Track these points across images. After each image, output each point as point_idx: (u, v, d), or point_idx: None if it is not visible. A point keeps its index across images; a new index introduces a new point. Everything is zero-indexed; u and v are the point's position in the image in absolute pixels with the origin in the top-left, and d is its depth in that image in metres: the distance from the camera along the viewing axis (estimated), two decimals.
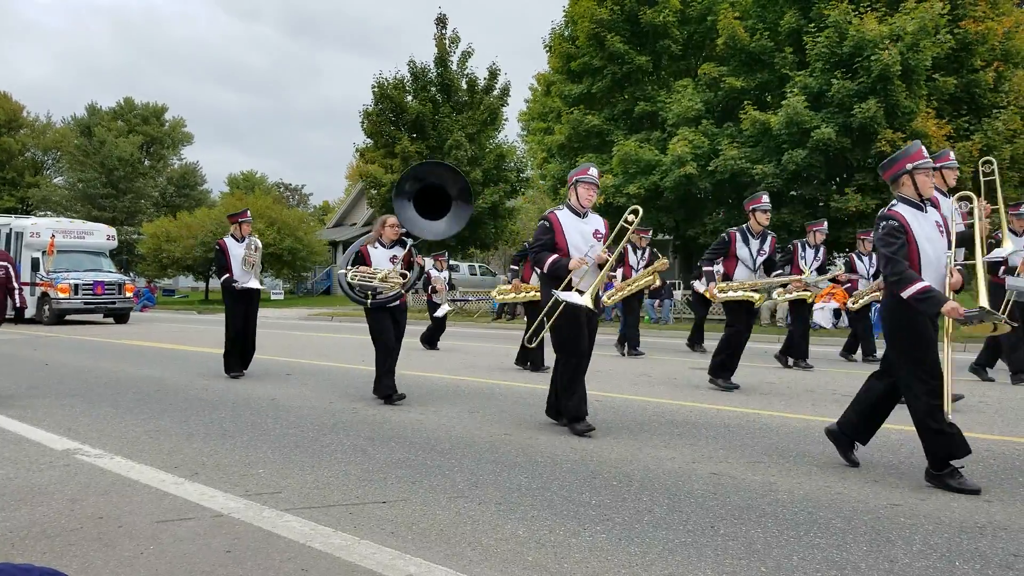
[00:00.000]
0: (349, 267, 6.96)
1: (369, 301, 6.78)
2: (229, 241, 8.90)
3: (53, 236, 20.75)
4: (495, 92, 27.00)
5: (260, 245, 9.07)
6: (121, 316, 21.36)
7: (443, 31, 26.57)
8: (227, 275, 8.75)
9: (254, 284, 8.86)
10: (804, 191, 17.92)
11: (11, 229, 21.42)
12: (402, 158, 24.93)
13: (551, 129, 25.33)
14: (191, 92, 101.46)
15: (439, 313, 13.35)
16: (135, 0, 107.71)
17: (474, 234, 26.38)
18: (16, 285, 7.61)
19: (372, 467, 4.59)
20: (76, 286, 20.27)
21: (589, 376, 6.02)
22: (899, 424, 5.93)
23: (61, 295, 20.09)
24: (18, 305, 7.68)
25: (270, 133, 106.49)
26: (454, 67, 26.63)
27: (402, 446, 5.14)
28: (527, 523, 3.56)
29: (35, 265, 20.85)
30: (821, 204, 17.87)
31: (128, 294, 21.84)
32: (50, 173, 53.11)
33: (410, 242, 7.10)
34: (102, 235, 23.00)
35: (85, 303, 20.48)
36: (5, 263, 7.65)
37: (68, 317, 21.09)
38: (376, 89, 25.98)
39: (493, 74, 26.92)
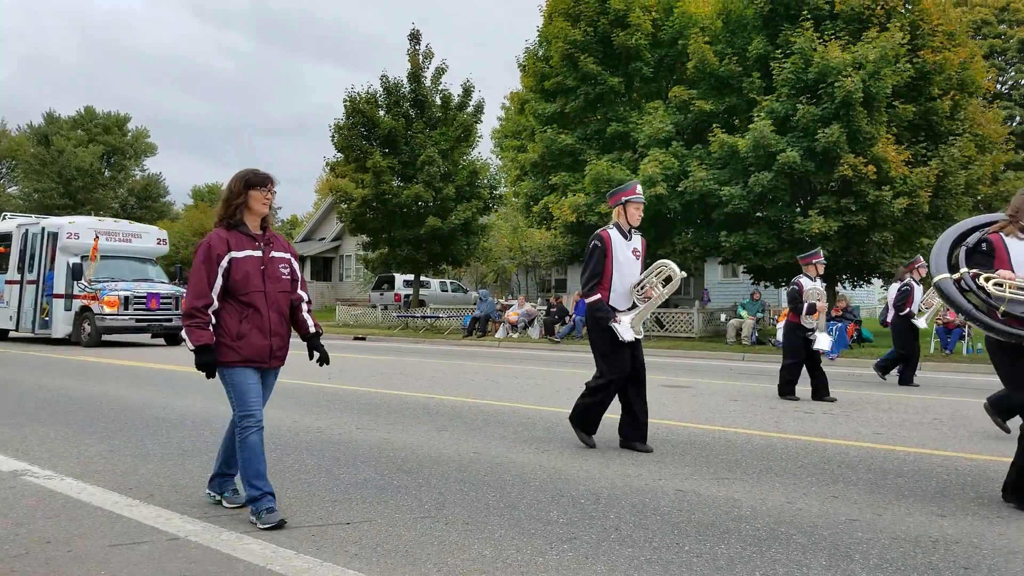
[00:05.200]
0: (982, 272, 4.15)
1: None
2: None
3: (97, 238, 17.14)
4: (469, 109, 27.13)
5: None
6: (175, 336, 17.29)
7: (417, 46, 26.67)
8: None
9: None
10: (769, 213, 18.23)
11: (43, 229, 17.93)
12: (373, 173, 24.89)
13: (524, 147, 25.56)
14: (157, 100, 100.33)
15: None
16: (99, 2, 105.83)
17: (446, 250, 26.38)
18: None
19: (337, 488, 4.55)
20: (126, 299, 16.57)
21: (558, 394, 6.05)
22: (856, 441, 6.06)
23: (108, 310, 16.35)
24: None
25: (239, 143, 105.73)
26: (428, 83, 26.72)
27: (368, 466, 5.11)
28: (494, 543, 3.56)
29: (76, 273, 16.99)
30: (785, 226, 18.20)
31: None
32: (4, 183, 51.96)
33: None
34: (152, 238, 19.19)
35: (137, 320, 16.77)
36: None
37: (110, 337, 17.32)
38: (348, 103, 25.96)
39: (467, 91, 27.06)
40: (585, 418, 5.81)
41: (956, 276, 4.13)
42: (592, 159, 20.62)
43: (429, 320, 25.01)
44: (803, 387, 8.88)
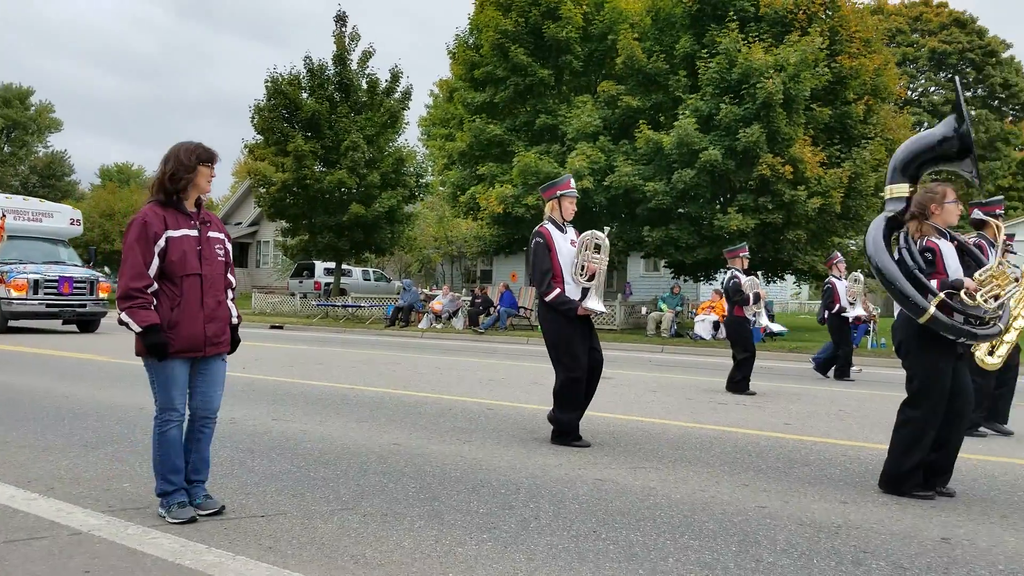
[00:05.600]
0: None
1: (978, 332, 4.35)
2: None
3: (3, 216, 15.89)
4: (396, 94, 26.78)
5: None
6: (89, 323, 16.73)
7: (343, 28, 26.14)
8: None
9: None
10: (691, 209, 18.73)
11: None
12: (295, 157, 24.29)
13: (453, 136, 25.43)
14: (68, 75, 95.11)
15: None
16: None
17: (369, 238, 26.03)
18: None
19: (250, 480, 4.45)
20: (36, 283, 15.55)
21: (481, 384, 6.07)
22: (767, 431, 6.32)
23: (15, 294, 15.26)
24: None
25: (153, 122, 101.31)
26: (354, 66, 26.23)
27: (284, 458, 5.02)
28: (413, 534, 3.56)
29: None
30: (706, 222, 18.74)
31: (103, 295, 16.68)
32: None
33: None
34: (64, 218, 18.04)
35: (47, 305, 15.76)
36: None
37: (17, 323, 16.24)
38: (270, 84, 25.22)
39: (395, 76, 26.70)
40: (568, 429, 5.67)
41: (934, 302, 4.20)
42: (520, 150, 20.71)
43: (350, 309, 24.64)
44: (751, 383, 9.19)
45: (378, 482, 4.45)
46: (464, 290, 27.50)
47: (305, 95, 25.82)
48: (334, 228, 25.40)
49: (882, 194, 4.84)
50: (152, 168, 28.50)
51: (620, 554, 3.35)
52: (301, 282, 31.68)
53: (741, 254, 9.44)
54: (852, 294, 11.51)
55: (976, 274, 4.32)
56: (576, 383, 5.61)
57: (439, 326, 21.47)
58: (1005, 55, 48.41)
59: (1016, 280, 4.45)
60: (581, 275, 5.67)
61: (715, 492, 4.39)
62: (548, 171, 19.10)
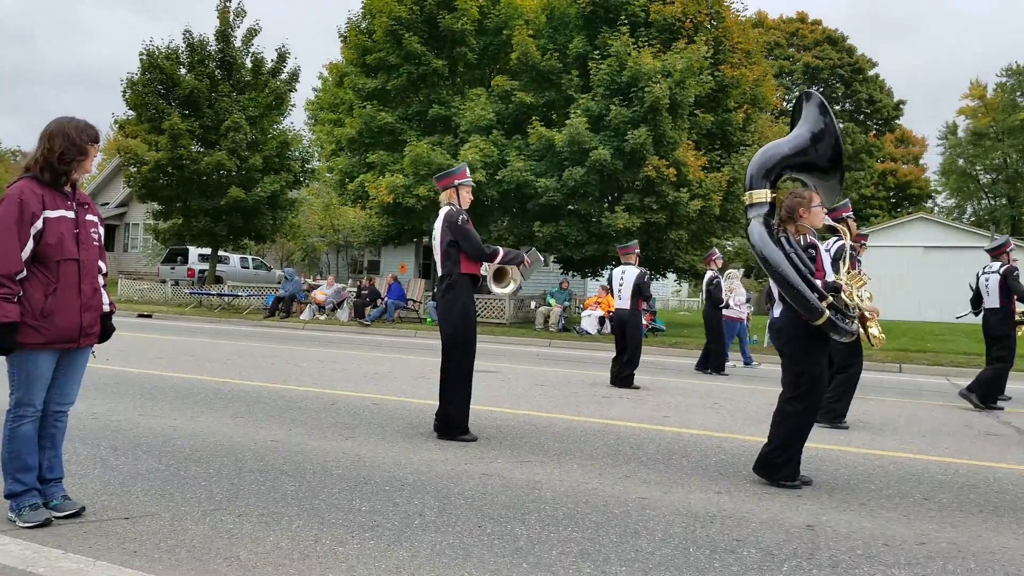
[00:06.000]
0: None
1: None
2: None
3: None
4: (283, 75, 25.83)
5: None
6: None
7: (227, 3, 24.94)
8: None
9: None
10: (580, 206, 19.15)
11: None
12: (170, 135, 22.99)
13: (342, 121, 24.76)
14: None
15: None
16: None
17: (249, 224, 25.00)
18: None
19: (113, 479, 4.18)
20: None
21: (365, 378, 5.97)
22: (648, 424, 6.55)
23: None
24: None
25: (11, 90, 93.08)
26: (238, 43, 25.10)
27: (151, 455, 4.75)
28: (291, 534, 3.44)
29: None
30: (594, 220, 19.21)
31: None
32: None
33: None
34: None
35: None
36: None
37: None
38: (144, 57, 23.73)
39: (282, 56, 25.74)
40: (459, 423, 5.66)
41: (827, 302, 4.48)
42: (412, 140, 20.48)
43: (227, 298, 23.61)
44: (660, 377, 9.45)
45: (254, 480, 4.28)
46: (350, 281, 26.92)
47: (184, 71, 24.48)
48: (211, 212, 24.24)
49: (743, 199, 5.08)
50: (8, 140, 26.06)
51: (505, 548, 3.37)
52: (173, 268, 30.04)
53: (635, 251, 9.87)
54: (729, 289, 12.24)
55: (837, 277, 4.64)
56: (470, 375, 5.68)
57: (322, 318, 20.93)
58: (871, 72, 52.36)
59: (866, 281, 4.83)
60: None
61: (598, 484, 4.50)
62: (440, 162, 19.00)
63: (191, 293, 24.52)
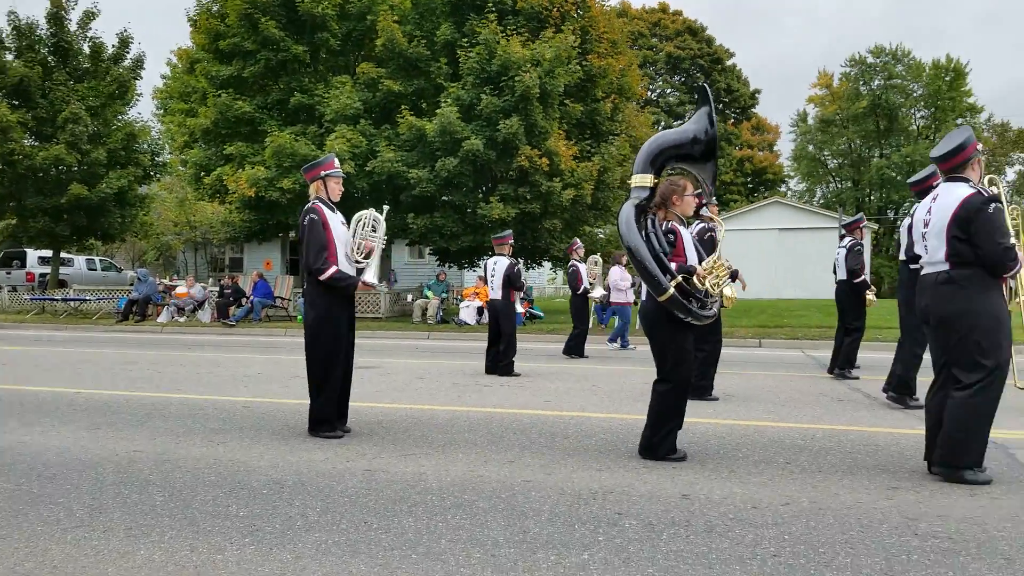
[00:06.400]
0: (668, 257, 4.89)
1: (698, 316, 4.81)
2: None
3: None
4: (126, 62, 24.23)
5: None
6: None
7: None
8: None
9: None
10: (454, 197, 19.19)
11: None
12: None
13: (195, 111, 23.53)
14: None
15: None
16: None
17: (94, 223, 23.34)
18: None
19: None
20: None
21: (234, 381, 5.76)
22: (529, 409, 6.71)
23: None
24: None
25: None
26: (73, 27, 23.29)
27: None
28: (164, 546, 3.29)
29: None
30: (469, 211, 19.31)
31: None
32: None
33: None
34: None
35: None
36: None
37: None
38: None
39: (124, 42, 24.13)
40: (324, 417, 5.57)
41: (675, 282, 4.70)
42: (274, 130, 19.77)
43: (73, 303, 21.98)
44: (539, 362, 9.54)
45: (118, 494, 4.04)
46: (211, 280, 25.71)
47: (10, 57, 22.46)
48: (50, 211, 22.43)
49: (629, 182, 5.34)
50: None
51: (393, 541, 3.37)
52: (9, 273, 27.57)
53: (508, 241, 10.00)
54: (592, 275, 12.77)
55: (704, 263, 4.94)
56: (334, 367, 5.56)
57: (182, 319, 19.90)
58: (729, 62, 55.37)
59: (730, 269, 5.14)
60: (357, 253, 5.68)
61: (484, 471, 4.57)
62: (305, 153, 18.48)
63: (32, 299, 22.64)
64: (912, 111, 51.75)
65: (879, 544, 3.35)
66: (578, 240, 13.25)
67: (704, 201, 7.13)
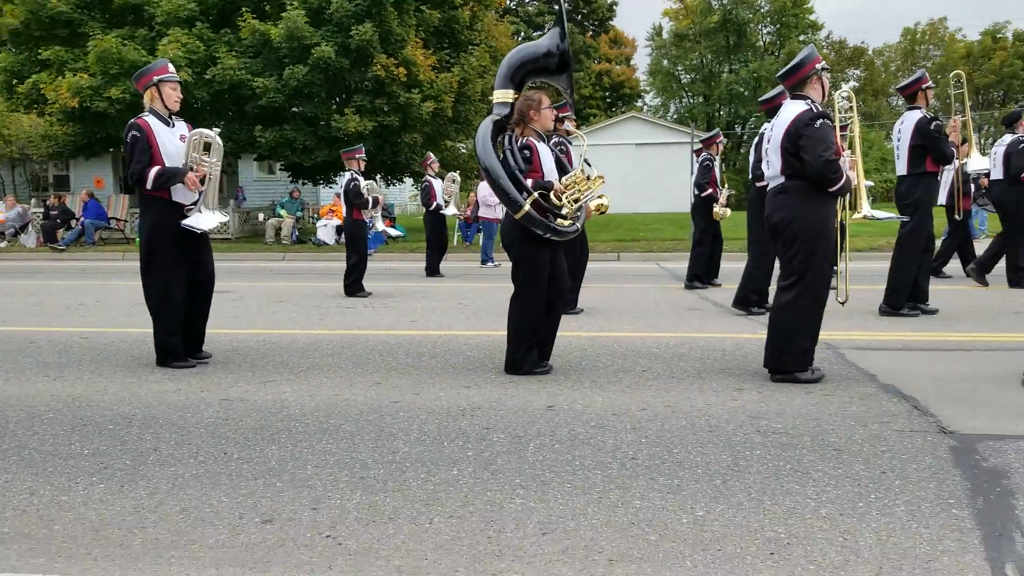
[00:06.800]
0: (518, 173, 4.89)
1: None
2: None
3: None
4: None
5: None
6: None
7: None
8: None
9: None
10: (306, 109, 18.27)
11: None
12: None
13: (0, 10, 20.75)
14: None
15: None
16: None
17: None
18: None
19: None
20: None
21: (69, 311, 5.35)
22: (395, 330, 6.69)
23: None
24: None
25: None
26: None
27: None
28: None
29: None
30: (323, 123, 18.49)
31: None
32: None
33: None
34: None
35: None
36: None
37: None
38: None
39: None
40: (168, 348, 5.27)
41: (531, 199, 4.72)
42: (97, 33, 17.85)
43: None
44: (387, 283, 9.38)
45: None
46: (34, 200, 23.43)
47: None
48: None
49: (490, 98, 5.29)
50: None
51: (256, 470, 3.31)
52: None
53: (357, 155, 9.62)
54: (449, 192, 12.66)
55: (564, 178, 5.00)
56: (172, 289, 5.23)
57: (3, 244, 18.11)
58: None
59: (590, 179, 5.23)
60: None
61: (350, 395, 4.54)
62: (134, 59, 16.86)
63: None
64: (759, 27, 53.91)
65: (726, 442, 3.64)
66: (431, 155, 13.00)
67: (560, 115, 7.16)
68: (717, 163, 9.91)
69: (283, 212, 19.55)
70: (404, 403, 4.36)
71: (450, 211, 12.75)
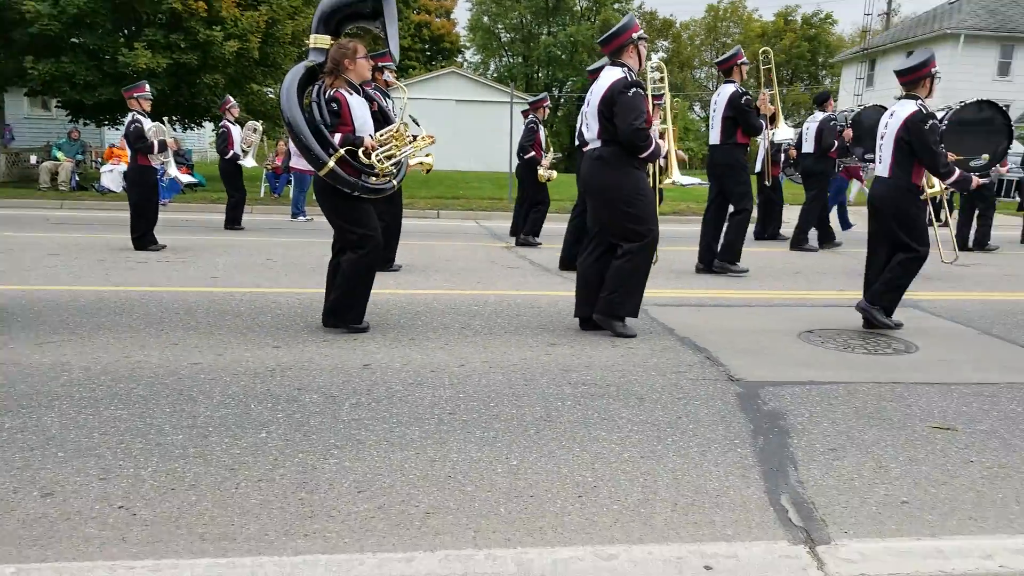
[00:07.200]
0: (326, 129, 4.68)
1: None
2: None
3: None
4: None
5: None
6: None
7: None
8: None
9: None
10: (88, 40, 16.47)
11: None
12: None
13: None
14: None
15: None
16: None
17: None
18: None
19: None
20: None
21: None
22: (193, 287, 6.31)
23: None
24: None
25: None
26: None
27: None
28: None
29: None
30: (108, 57, 16.77)
31: None
32: None
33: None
34: None
35: None
36: None
37: None
38: None
39: None
40: None
41: (335, 157, 4.58)
42: None
43: None
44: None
45: None
46: None
47: None
48: None
49: (306, 42, 5.06)
50: None
51: (33, 440, 3.01)
52: None
53: (137, 94, 8.68)
54: (248, 142, 11.95)
55: (378, 133, 4.89)
56: None
57: None
58: None
59: (413, 138, 5.18)
60: None
61: (142, 357, 4.23)
62: None
63: None
64: None
65: (540, 394, 3.80)
66: (231, 98, 12.16)
67: (379, 64, 7.00)
68: (542, 128, 10.13)
69: (60, 155, 17.60)
70: (205, 365, 4.13)
71: (248, 162, 11.89)
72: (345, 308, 4.92)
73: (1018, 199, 18.31)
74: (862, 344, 5.09)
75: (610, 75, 4.96)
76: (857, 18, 76.58)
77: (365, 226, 4.83)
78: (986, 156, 9.79)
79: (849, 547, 2.43)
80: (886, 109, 6.10)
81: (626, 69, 4.98)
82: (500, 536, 2.43)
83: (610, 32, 5.09)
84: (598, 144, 5.03)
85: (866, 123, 10.89)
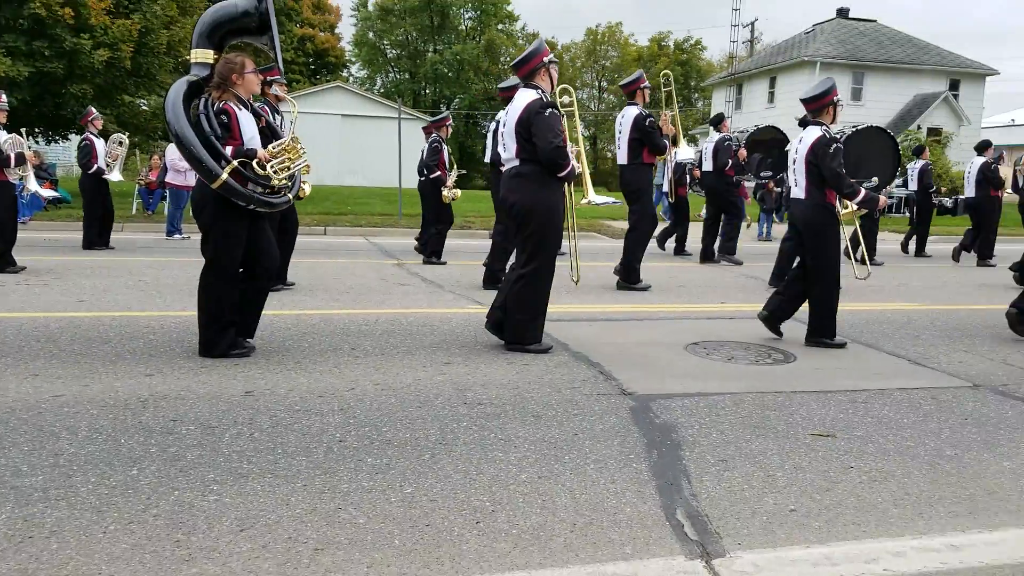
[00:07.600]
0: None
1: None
2: None
3: None
4: None
5: None
6: None
7: None
8: None
9: None
10: None
11: None
12: None
13: None
14: None
15: None
16: None
17: None
18: None
19: None
20: None
21: None
22: (57, 312, 5.85)
23: None
24: None
25: None
26: None
27: None
28: None
29: None
30: None
31: None
32: None
33: None
34: None
35: None
36: None
37: None
38: None
39: None
40: None
41: (230, 167, 4.36)
42: None
43: None
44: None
45: None
46: None
47: None
48: None
49: (185, 54, 4.83)
50: None
51: None
52: None
53: None
54: (113, 156, 11.28)
55: (270, 146, 4.69)
56: None
57: None
58: None
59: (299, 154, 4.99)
60: None
61: None
62: None
63: None
64: (462, 11, 55.73)
65: (435, 416, 3.70)
66: (93, 109, 11.44)
67: (267, 79, 6.75)
68: (446, 146, 10.07)
69: None
70: (69, 397, 3.79)
71: (113, 176, 11.16)
72: (214, 343, 4.63)
73: (907, 214, 19.67)
74: (744, 355, 5.26)
75: (525, 96, 5.10)
76: (724, 44, 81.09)
77: (228, 249, 4.58)
78: (875, 179, 10.50)
79: (743, 559, 2.45)
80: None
81: (540, 91, 5.11)
82: (395, 570, 2.32)
83: (522, 57, 5.26)
84: (516, 163, 5.13)
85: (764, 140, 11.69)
